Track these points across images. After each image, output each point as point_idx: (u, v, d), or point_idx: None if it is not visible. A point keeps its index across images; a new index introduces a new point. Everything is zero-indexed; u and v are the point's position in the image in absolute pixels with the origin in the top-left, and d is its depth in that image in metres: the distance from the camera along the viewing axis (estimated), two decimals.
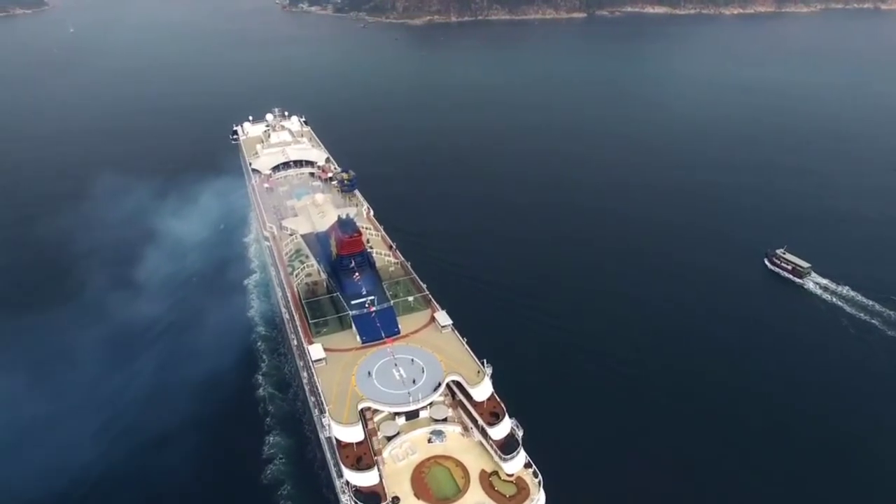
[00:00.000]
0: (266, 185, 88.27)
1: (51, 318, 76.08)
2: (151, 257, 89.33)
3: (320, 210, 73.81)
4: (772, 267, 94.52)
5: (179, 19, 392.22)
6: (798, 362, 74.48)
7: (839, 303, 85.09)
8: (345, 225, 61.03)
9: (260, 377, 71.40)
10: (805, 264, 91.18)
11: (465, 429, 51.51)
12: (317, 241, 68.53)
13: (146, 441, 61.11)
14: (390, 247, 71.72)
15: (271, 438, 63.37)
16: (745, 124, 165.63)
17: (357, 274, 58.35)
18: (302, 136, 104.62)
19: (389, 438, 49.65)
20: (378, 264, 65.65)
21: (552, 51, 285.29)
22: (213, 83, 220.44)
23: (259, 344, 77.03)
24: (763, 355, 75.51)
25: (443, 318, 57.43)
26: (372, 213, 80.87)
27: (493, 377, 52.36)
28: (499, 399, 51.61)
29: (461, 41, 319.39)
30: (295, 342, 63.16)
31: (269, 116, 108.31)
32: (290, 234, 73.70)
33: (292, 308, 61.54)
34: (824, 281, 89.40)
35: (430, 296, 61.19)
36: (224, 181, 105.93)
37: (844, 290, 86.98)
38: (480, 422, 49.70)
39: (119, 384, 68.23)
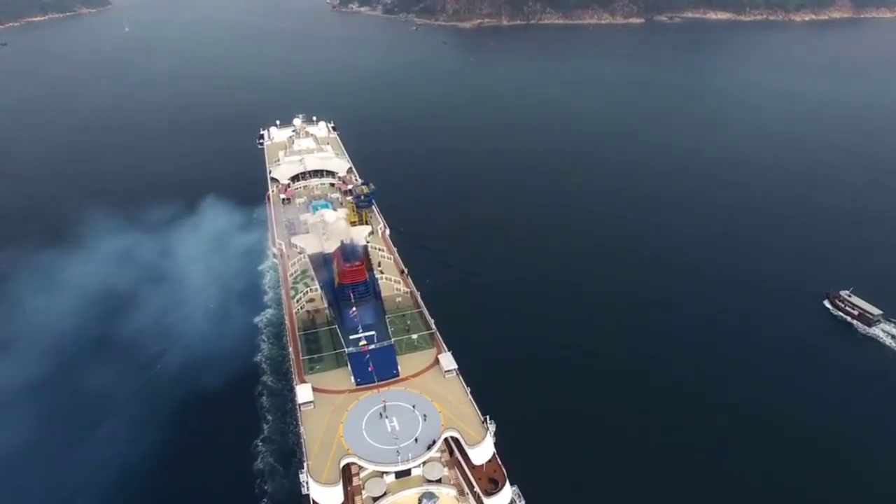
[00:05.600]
0: (283, 195, 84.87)
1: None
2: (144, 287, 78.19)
3: (328, 230, 69.15)
4: (833, 310, 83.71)
5: (231, 19, 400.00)
6: (861, 424, 64.38)
7: None
8: (347, 251, 56.39)
9: (260, 444, 59.52)
10: (875, 311, 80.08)
11: (461, 493, 45.89)
12: (323, 264, 64.15)
13: None
14: (402, 272, 66.59)
15: None
16: (816, 143, 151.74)
17: (355, 308, 53.22)
18: (327, 143, 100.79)
19: (375, 499, 44.53)
20: (385, 293, 60.82)
21: (609, 59, 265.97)
22: (254, 84, 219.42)
23: (264, 399, 64.96)
24: (819, 413, 65.68)
25: (447, 361, 51.99)
26: (388, 231, 75.97)
27: (496, 434, 46.72)
28: (500, 462, 45.96)
29: (512, 45, 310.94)
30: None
31: (296, 121, 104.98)
32: (299, 253, 69.66)
33: (289, 339, 57.26)
34: None
35: (436, 333, 55.71)
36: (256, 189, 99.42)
37: None
38: (477, 488, 44.00)
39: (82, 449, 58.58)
